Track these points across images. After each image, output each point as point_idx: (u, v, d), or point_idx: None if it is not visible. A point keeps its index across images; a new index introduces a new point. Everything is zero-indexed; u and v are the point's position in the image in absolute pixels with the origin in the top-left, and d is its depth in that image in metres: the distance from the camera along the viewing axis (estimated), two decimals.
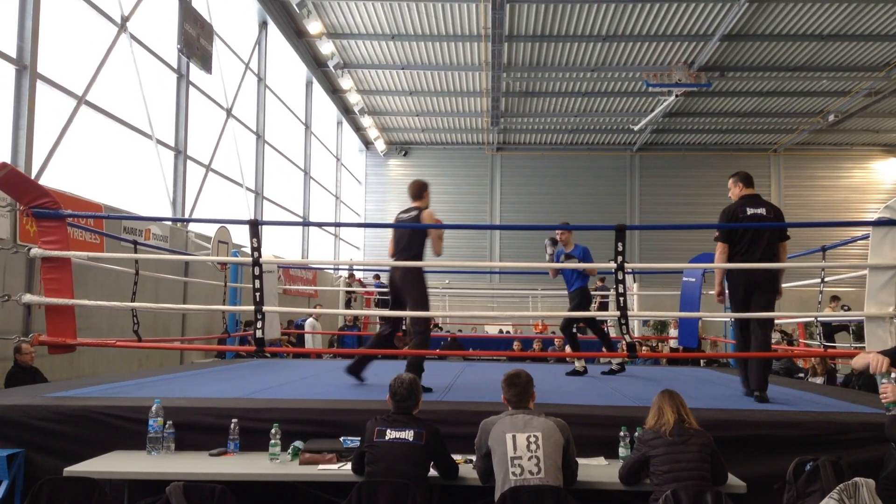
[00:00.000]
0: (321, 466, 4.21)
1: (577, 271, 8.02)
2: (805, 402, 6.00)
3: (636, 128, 23.29)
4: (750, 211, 6.14)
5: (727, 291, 6.29)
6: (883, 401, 3.78)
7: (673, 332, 16.54)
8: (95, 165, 10.72)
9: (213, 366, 8.93)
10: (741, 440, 4.59)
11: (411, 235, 6.32)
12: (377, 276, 18.16)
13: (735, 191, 6.40)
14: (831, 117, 22.14)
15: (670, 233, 25.28)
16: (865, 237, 6.08)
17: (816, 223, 25.85)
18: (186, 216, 12.94)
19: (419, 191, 6.47)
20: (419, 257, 6.34)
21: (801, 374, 11.04)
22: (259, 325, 5.74)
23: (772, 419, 4.84)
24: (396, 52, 18.84)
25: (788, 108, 22.24)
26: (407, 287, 6.25)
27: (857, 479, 3.60)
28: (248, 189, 15.91)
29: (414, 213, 6.35)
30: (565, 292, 8.34)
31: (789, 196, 26.59)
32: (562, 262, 8.11)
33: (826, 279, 8.10)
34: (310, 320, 13.99)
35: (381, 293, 17.59)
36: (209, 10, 13.70)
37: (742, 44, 17.51)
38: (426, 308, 6.28)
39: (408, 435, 3.99)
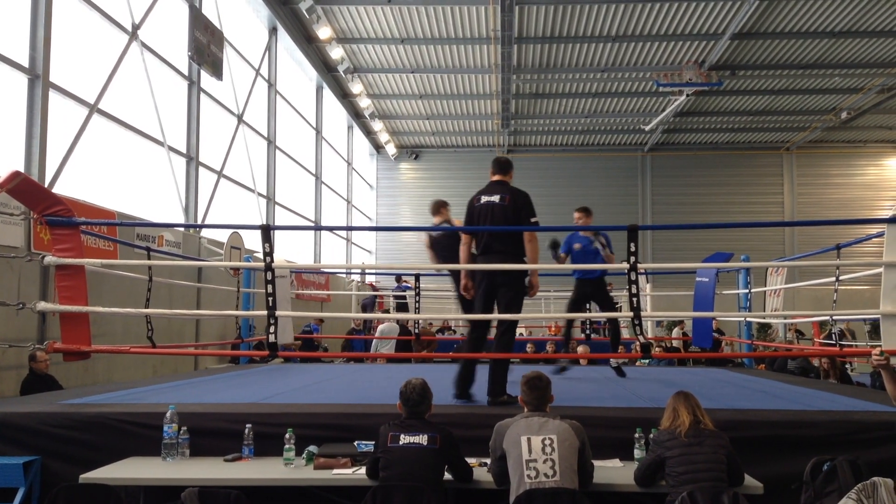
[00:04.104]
0: (336, 471, 4.21)
1: (600, 257, 7.81)
2: (822, 401, 5.95)
3: (647, 128, 23.22)
4: (483, 199, 5.72)
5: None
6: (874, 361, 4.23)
7: (677, 332, 16.43)
8: (108, 173, 10.78)
9: (227, 371, 8.95)
10: (757, 440, 4.55)
11: None
12: (399, 279, 18.04)
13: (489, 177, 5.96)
14: (844, 115, 22.00)
15: (683, 232, 25.19)
16: (880, 235, 6.02)
17: (830, 221, 25.65)
18: (199, 222, 13.00)
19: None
20: None
21: (813, 374, 10.96)
22: (272, 329, 5.74)
23: (788, 419, 4.80)
24: (406, 55, 18.87)
25: (800, 105, 22.12)
26: None
27: (875, 478, 3.56)
28: (259, 195, 15.96)
29: None
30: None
31: (802, 194, 26.44)
32: (594, 247, 7.87)
33: (841, 277, 8.03)
34: (384, 324, 13.75)
35: (396, 297, 17.51)
36: (219, 16, 13.77)
37: (753, 42, 17.43)
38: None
39: (422, 439, 3.98)
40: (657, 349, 14.16)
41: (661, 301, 18.30)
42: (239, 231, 11.88)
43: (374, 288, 19.00)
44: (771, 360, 11.67)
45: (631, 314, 5.65)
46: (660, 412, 4.26)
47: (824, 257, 12.30)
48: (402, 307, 17.53)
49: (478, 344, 5.86)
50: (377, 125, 23.87)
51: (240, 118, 15.00)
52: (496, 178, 5.84)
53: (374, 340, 13.48)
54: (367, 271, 20.30)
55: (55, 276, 5.80)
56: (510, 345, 5.83)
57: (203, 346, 11.38)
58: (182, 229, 11.94)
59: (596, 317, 9.72)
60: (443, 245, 7.27)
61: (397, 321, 13.60)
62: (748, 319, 10.52)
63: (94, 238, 8.60)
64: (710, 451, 3.89)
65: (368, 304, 18.63)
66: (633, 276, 5.54)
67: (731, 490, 3.71)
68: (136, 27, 11.03)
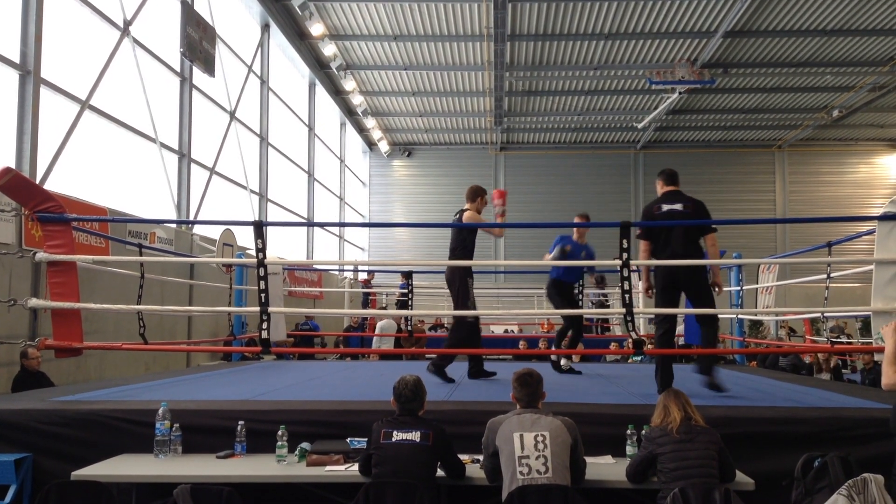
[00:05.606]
0: (328, 468, 4.20)
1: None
2: (813, 398, 5.97)
3: (640, 125, 23.25)
4: (665, 207, 6.17)
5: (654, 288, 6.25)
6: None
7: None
8: (100, 170, 10.74)
9: (219, 368, 8.93)
10: (749, 437, 4.57)
11: None
12: (405, 276, 17.79)
13: (658, 188, 6.45)
14: (836, 113, 22.06)
15: None
16: (871, 232, 6.05)
17: (821, 218, 25.68)
18: (191, 219, 12.96)
19: None
20: None
21: (804, 371, 11.00)
22: (265, 326, 5.72)
23: (779, 415, 4.82)
24: (399, 52, 18.84)
25: (792, 104, 22.19)
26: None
27: (865, 474, 3.59)
28: (252, 191, 15.93)
29: None
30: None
31: (794, 192, 26.54)
32: (582, 257, 8.11)
33: (832, 275, 8.07)
34: (382, 322, 13.64)
35: (401, 294, 17.28)
36: (211, 12, 13.72)
37: (745, 40, 17.47)
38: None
39: (414, 436, 3.98)
40: (650, 346, 14.17)
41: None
42: (231, 228, 11.86)
43: (367, 284, 18.89)
44: (762, 357, 11.72)
45: (623, 310, 5.66)
46: (652, 409, 4.27)
47: (815, 255, 12.35)
48: (404, 304, 17.41)
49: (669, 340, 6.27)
50: (370, 122, 23.84)
51: (232, 115, 14.96)
52: (670, 188, 6.33)
53: (375, 337, 13.49)
54: (359, 268, 20.21)
55: (46, 273, 5.78)
56: (670, 341, 6.33)
57: (195, 342, 11.36)
58: (174, 226, 11.90)
59: (560, 313, 9.60)
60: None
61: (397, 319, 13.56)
62: (740, 316, 10.55)
63: (85, 234, 8.57)
64: (701, 448, 3.90)
65: (361, 302, 18.54)
66: (625, 273, 5.55)
67: (723, 486, 3.73)
68: (127, 23, 10.99)
